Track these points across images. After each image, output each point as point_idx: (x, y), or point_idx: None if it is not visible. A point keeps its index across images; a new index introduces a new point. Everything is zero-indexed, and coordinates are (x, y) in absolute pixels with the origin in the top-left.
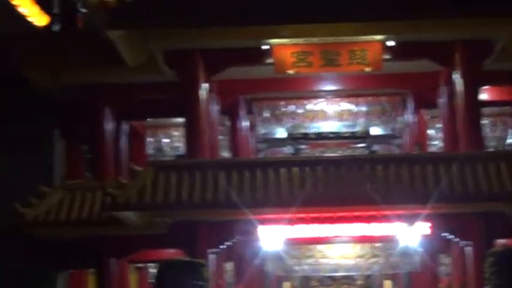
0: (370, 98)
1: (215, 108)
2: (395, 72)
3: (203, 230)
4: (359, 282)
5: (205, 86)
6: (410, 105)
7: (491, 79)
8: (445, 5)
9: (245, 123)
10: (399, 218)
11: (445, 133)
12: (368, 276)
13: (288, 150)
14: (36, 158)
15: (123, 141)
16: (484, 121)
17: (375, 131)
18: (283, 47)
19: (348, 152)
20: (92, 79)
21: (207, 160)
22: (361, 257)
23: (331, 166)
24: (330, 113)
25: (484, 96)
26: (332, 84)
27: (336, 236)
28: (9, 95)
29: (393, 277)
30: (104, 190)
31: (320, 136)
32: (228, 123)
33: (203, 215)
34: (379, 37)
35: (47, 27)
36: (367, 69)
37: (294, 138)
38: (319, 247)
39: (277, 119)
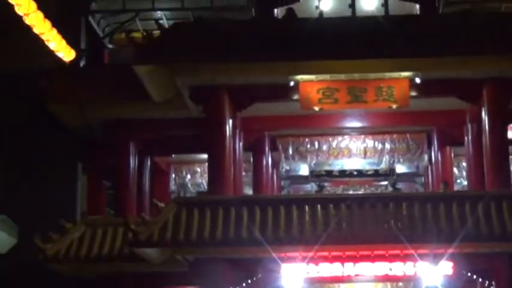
0: (395, 135)
1: (239, 145)
2: (421, 109)
3: (225, 268)
4: None
5: (230, 122)
6: (436, 142)
7: None
8: (473, 42)
9: (269, 160)
10: (422, 257)
11: (469, 171)
12: None
13: (310, 187)
14: (59, 192)
15: (146, 177)
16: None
17: (400, 168)
18: (310, 84)
19: (371, 190)
20: (116, 114)
21: (230, 197)
22: None
23: (355, 204)
24: (354, 150)
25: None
26: (357, 121)
27: (358, 275)
28: (35, 129)
29: None
30: (126, 226)
31: (344, 173)
32: (251, 159)
33: (225, 252)
34: (406, 74)
35: (74, 63)
36: (394, 106)
37: (317, 175)
38: (342, 286)
39: (301, 156)
